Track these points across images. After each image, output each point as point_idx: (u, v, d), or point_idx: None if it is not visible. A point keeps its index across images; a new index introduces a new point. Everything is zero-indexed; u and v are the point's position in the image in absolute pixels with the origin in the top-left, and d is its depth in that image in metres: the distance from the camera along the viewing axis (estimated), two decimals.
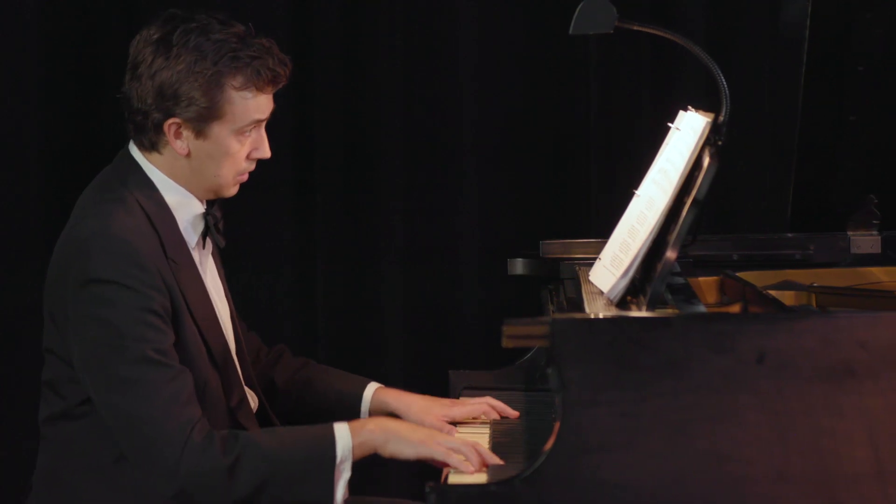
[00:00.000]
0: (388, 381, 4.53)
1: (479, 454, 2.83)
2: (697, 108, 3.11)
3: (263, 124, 2.97)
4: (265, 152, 2.97)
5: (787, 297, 3.32)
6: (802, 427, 2.57)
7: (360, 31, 4.56)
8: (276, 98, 4.46)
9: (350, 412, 3.18)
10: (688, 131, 3.05)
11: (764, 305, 3.05)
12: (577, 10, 3.14)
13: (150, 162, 2.95)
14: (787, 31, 3.46)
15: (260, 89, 2.91)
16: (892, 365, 2.58)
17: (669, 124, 3.19)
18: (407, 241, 4.59)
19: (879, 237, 3.58)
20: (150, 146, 2.94)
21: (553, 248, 3.62)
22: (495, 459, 2.84)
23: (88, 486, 2.90)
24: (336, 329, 4.60)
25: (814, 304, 3.32)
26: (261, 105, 2.92)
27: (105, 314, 2.79)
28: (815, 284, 3.37)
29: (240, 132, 2.92)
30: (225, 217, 4.50)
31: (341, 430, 2.82)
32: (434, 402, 3.19)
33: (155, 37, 2.89)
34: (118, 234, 2.83)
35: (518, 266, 3.66)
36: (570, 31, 3.16)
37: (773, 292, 3.23)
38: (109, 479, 2.88)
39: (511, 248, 3.73)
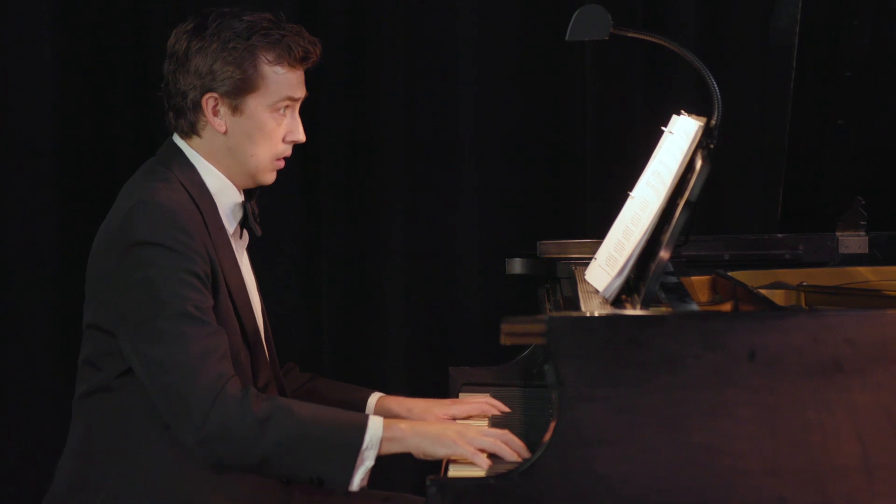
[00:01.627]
0: (391, 378, 4.58)
1: (508, 446, 2.81)
2: (690, 112, 3.11)
3: (297, 107, 3.00)
4: (300, 135, 3.00)
5: (777, 296, 3.32)
6: (792, 421, 2.57)
7: (363, 40, 4.56)
8: None
9: None
10: (681, 135, 3.05)
11: (755, 304, 3.05)
12: (573, 17, 3.14)
13: (192, 147, 2.98)
14: (778, 37, 3.46)
15: (292, 66, 2.95)
16: (878, 361, 2.58)
17: (663, 128, 3.19)
18: (408, 241, 4.59)
19: (867, 238, 3.59)
20: (190, 129, 2.97)
21: (550, 248, 3.62)
22: (524, 453, 2.80)
23: (125, 457, 2.89)
24: (340, 327, 4.61)
25: (803, 302, 3.32)
26: (292, 82, 2.96)
27: (148, 274, 2.81)
28: (804, 283, 3.37)
29: (274, 108, 2.95)
30: None
31: (375, 421, 2.82)
32: (434, 402, 3.19)
33: (190, 27, 2.95)
34: (163, 202, 2.85)
35: (516, 266, 3.66)
36: (567, 38, 3.16)
37: (763, 291, 3.23)
38: (143, 451, 2.88)
39: (509, 249, 3.73)
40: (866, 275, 3.44)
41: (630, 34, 3.18)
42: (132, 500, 2.88)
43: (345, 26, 4.55)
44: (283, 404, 2.82)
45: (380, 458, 2.82)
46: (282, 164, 3.01)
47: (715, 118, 2.98)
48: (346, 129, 4.58)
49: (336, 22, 4.54)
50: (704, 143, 2.95)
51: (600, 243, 3.22)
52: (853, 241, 3.58)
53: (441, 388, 3.46)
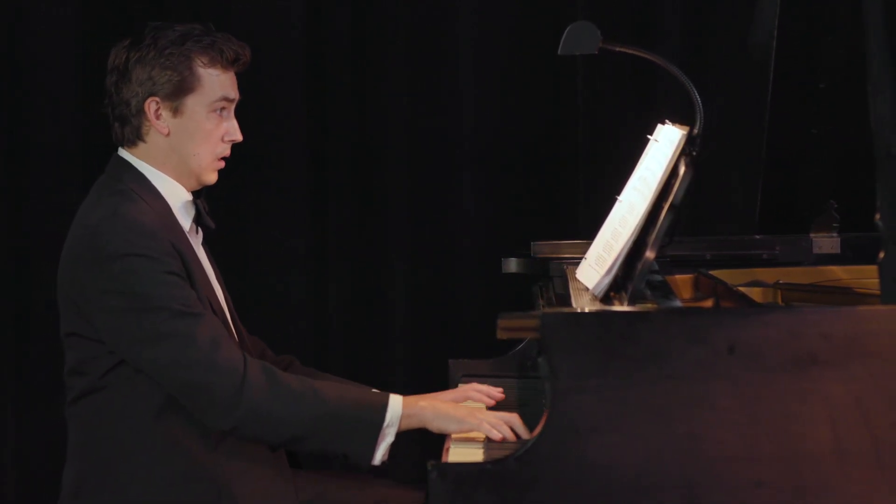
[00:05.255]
0: (393, 371, 4.57)
1: (513, 426, 2.88)
2: (674, 121, 3.10)
3: (233, 108, 3.01)
4: (237, 134, 3.01)
5: (755, 293, 3.32)
6: (770, 411, 2.57)
7: (367, 53, 4.56)
8: (292, 112, 4.53)
9: None
10: (665, 143, 3.05)
11: (735, 301, 3.05)
12: (565, 32, 3.14)
13: (137, 157, 2.98)
14: (756, 51, 3.46)
15: (225, 68, 2.97)
16: (851, 355, 2.58)
17: (648, 136, 3.18)
18: (411, 241, 4.59)
19: (839, 239, 3.58)
20: (135, 137, 2.98)
21: (543, 248, 3.62)
22: (526, 432, 2.86)
23: (122, 449, 2.89)
24: (346, 322, 4.61)
25: (780, 299, 3.32)
26: (226, 83, 2.97)
27: (129, 286, 2.81)
28: (780, 282, 3.36)
29: (211, 109, 2.96)
30: (243, 220, 4.55)
31: (395, 400, 2.87)
32: (437, 395, 3.17)
33: (127, 42, 2.98)
34: (126, 215, 2.86)
35: (512, 265, 3.66)
36: (559, 52, 3.16)
37: (742, 289, 3.23)
38: (141, 440, 2.87)
39: (505, 249, 3.73)
40: (839, 273, 3.44)
41: (618, 49, 3.18)
42: (139, 490, 2.88)
43: (348, 33, 4.55)
44: (310, 385, 2.85)
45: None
46: (222, 164, 3.02)
47: (697, 127, 2.98)
48: (350, 135, 4.58)
49: (339, 29, 4.54)
50: (687, 150, 2.95)
51: (591, 244, 3.21)
52: (826, 242, 3.58)
53: (441, 380, 3.45)
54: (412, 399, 2.91)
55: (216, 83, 2.95)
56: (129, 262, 2.81)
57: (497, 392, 3.17)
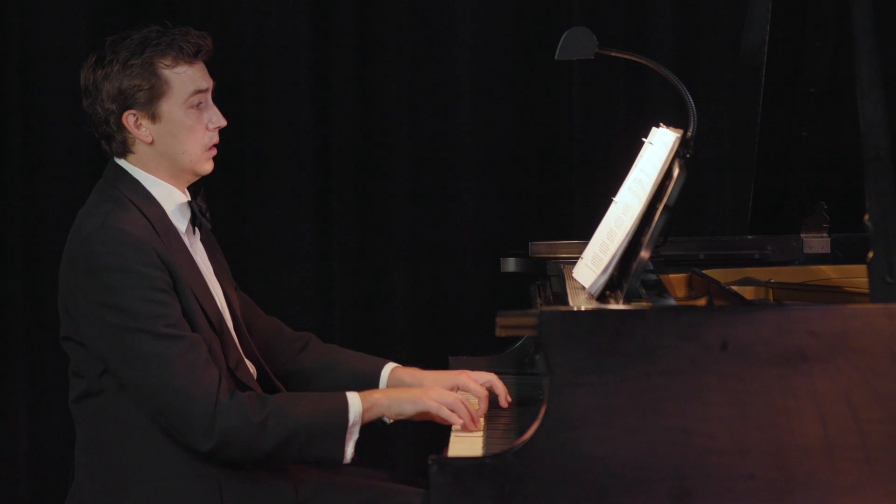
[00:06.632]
0: None
1: (467, 409, 2.95)
2: (668, 124, 3.12)
3: (209, 96, 3.00)
4: (220, 120, 3.00)
5: (747, 292, 3.33)
6: (760, 406, 2.58)
7: (369, 56, 4.57)
8: (299, 117, 4.54)
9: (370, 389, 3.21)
10: (659, 145, 3.06)
11: (727, 299, 3.06)
12: (562, 38, 3.15)
13: (131, 163, 2.99)
14: (748, 56, 3.47)
15: (189, 62, 2.96)
16: (839, 351, 2.59)
17: (643, 139, 3.20)
18: (412, 242, 4.60)
19: (829, 239, 3.59)
20: (123, 149, 2.98)
21: (541, 248, 3.63)
22: (476, 417, 2.96)
23: (124, 449, 2.90)
24: (350, 319, 4.61)
25: (771, 298, 3.33)
26: (195, 76, 2.96)
27: (115, 300, 2.82)
28: (771, 280, 3.37)
29: (188, 105, 2.95)
30: (251, 223, 4.57)
31: (353, 398, 2.91)
32: (444, 374, 3.19)
33: (92, 60, 2.98)
34: (116, 225, 2.86)
35: (510, 264, 3.66)
36: (556, 57, 3.17)
37: (734, 287, 3.24)
38: (141, 439, 2.89)
39: (503, 248, 3.74)
40: (828, 273, 3.45)
41: (614, 54, 3.19)
42: (142, 488, 2.89)
43: (350, 36, 4.55)
44: (276, 405, 2.86)
45: (384, 441, 2.85)
46: (214, 151, 3.02)
47: (691, 130, 2.99)
48: (352, 136, 4.58)
49: (342, 31, 4.55)
50: (681, 152, 2.96)
51: (587, 244, 3.22)
52: (816, 242, 3.59)
53: None
54: (367, 393, 2.94)
55: (185, 80, 2.95)
56: (117, 277, 2.82)
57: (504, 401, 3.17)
